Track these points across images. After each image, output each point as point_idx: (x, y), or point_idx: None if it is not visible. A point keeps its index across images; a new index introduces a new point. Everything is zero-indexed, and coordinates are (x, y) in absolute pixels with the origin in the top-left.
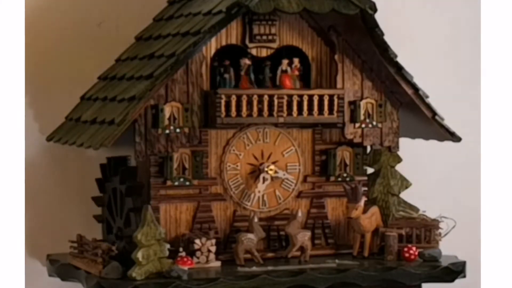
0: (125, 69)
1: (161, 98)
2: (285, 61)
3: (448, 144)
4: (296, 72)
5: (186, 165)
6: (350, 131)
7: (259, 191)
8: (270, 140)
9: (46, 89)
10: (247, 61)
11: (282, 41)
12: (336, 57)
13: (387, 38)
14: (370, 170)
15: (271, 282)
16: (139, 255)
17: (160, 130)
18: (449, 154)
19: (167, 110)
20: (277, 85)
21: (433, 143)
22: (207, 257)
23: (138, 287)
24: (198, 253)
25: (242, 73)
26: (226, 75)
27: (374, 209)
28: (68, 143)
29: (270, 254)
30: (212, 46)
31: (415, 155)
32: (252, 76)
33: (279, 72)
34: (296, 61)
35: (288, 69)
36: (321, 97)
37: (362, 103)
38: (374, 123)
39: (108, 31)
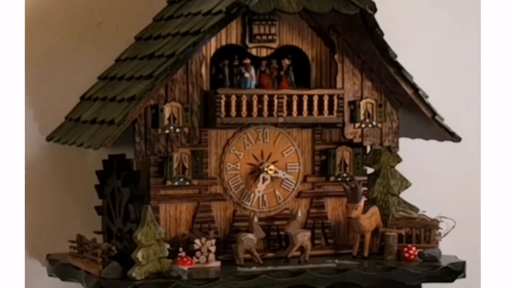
0: (125, 69)
1: (161, 98)
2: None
3: (448, 144)
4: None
5: (186, 165)
6: (350, 131)
7: (259, 191)
8: (270, 140)
9: (46, 89)
10: (287, 61)
11: (282, 41)
12: (336, 57)
13: (387, 38)
14: (370, 170)
15: (271, 282)
16: (139, 255)
17: (160, 130)
18: (449, 154)
19: (167, 110)
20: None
21: (433, 143)
22: (207, 257)
23: (138, 287)
24: (198, 253)
25: (282, 73)
26: (247, 74)
27: (374, 209)
28: (68, 143)
29: (270, 254)
30: (212, 46)
31: (415, 155)
32: (292, 76)
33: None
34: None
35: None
36: (321, 97)
37: (362, 103)
38: (374, 123)
39: (108, 31)
